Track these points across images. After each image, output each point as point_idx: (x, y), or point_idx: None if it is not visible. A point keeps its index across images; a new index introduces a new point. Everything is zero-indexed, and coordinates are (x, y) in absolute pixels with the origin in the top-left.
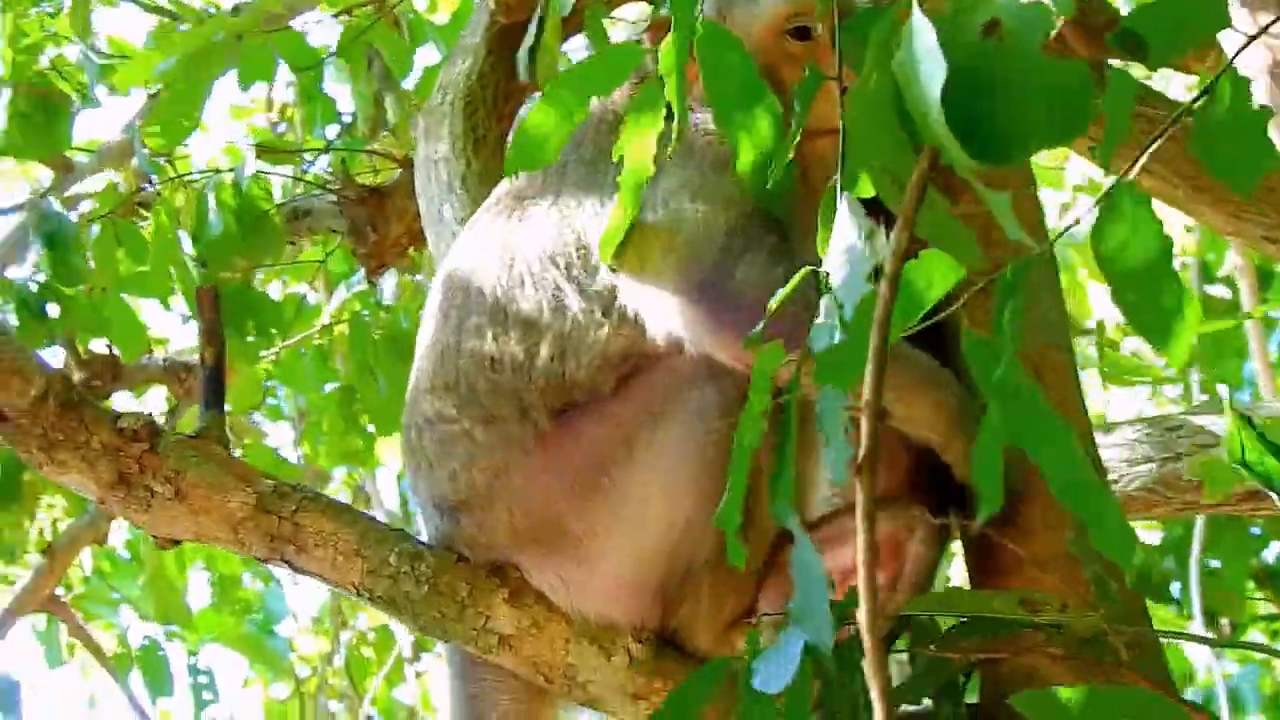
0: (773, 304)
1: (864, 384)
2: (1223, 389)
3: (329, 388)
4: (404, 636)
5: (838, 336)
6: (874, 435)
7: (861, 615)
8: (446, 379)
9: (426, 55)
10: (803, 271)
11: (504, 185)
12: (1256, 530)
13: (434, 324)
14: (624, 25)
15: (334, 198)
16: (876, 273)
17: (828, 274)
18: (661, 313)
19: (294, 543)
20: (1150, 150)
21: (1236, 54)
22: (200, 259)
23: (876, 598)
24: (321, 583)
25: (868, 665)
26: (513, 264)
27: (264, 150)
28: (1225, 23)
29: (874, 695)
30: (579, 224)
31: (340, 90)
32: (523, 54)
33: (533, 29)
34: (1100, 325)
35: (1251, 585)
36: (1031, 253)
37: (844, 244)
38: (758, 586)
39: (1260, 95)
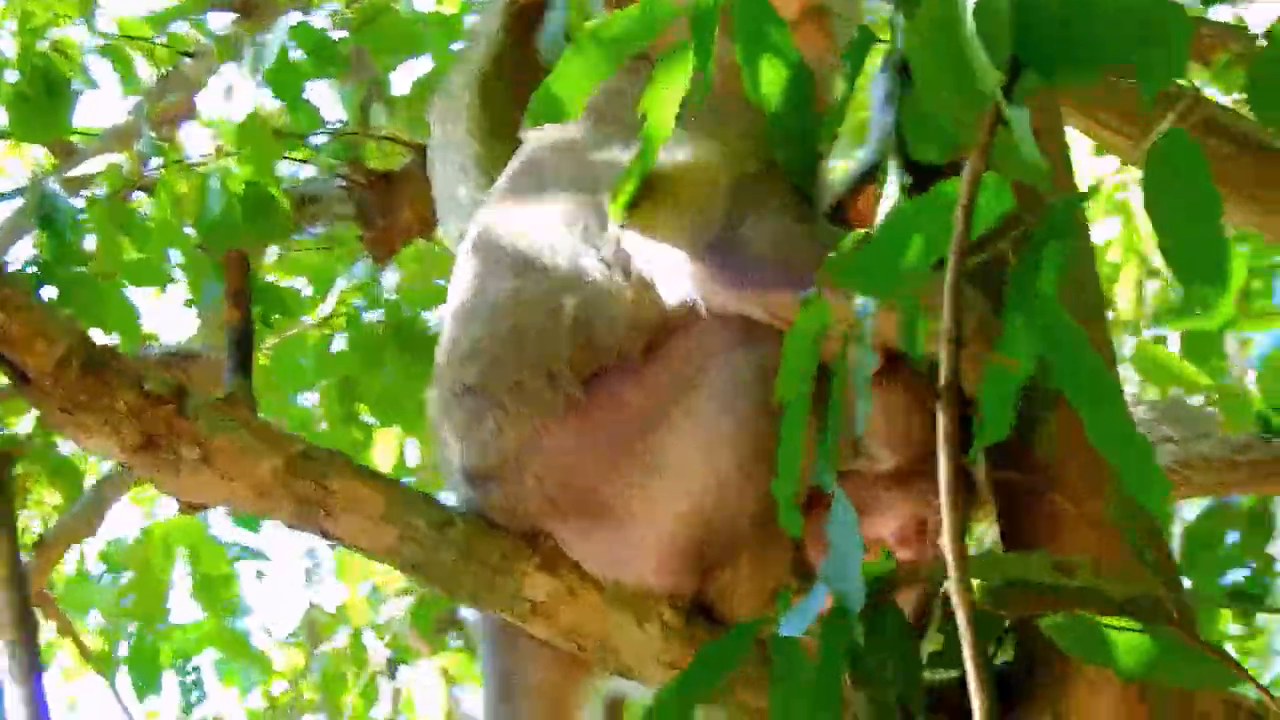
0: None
1: (943, 312)
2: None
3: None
4: (379, 652)
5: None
6: (953, 364)
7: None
8: (472, 348)
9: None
10: (858, 232)
11: (521, 154)
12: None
13: (459, 294)
14: None
15: (342, 182)
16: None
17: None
18: (671, 272)
19: (324, 507)
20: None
21: None
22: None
23: (965, 550)
24: (351, 548)
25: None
26: (531, 231)
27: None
28: None
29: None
30: (598, 186)
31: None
32: (546, 39)
33: (556, 11)
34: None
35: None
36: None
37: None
38: (797, 556)
39: None
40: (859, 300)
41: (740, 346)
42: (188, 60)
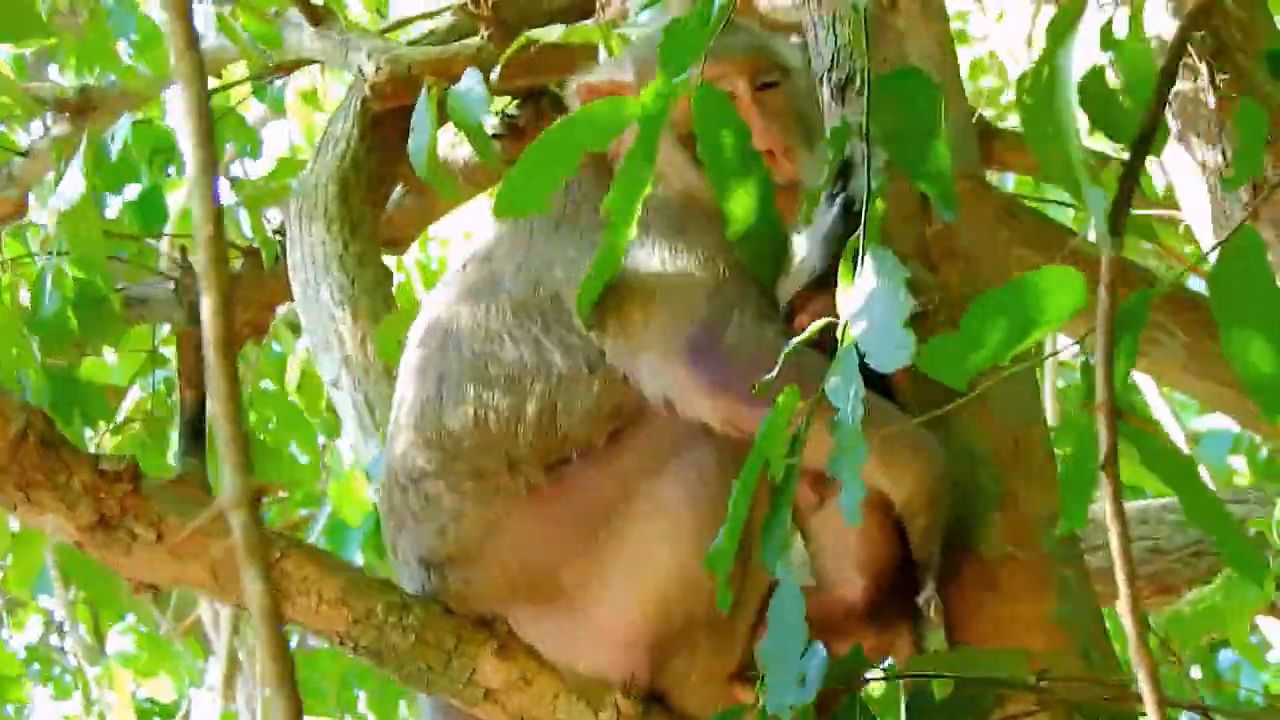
0: (785, 350)
1: (1098, 382)
2: None
3: None
4: None
5: (857, 383)
6: (1113, 434)
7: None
8: (429, 436)
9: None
10: (817, 325)
11: (470, 245)
12: None
13: (412, 381)
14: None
15: (172, 285)
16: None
17: (847, 325)
18: (651, 376)
19: (278, 589)
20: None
21: None
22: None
23: (1135, 584)
24: (305, 629)
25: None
26: (489, 320)
27: (105, 233)
28: None
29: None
30: (552, 280)
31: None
32: (416, 152)
33: (422, 123)
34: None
35: None
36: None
37: (869, 291)
38: (749, 645)
39: None
40: (830, 383)
41: (703, 439)
42: (18, 161)
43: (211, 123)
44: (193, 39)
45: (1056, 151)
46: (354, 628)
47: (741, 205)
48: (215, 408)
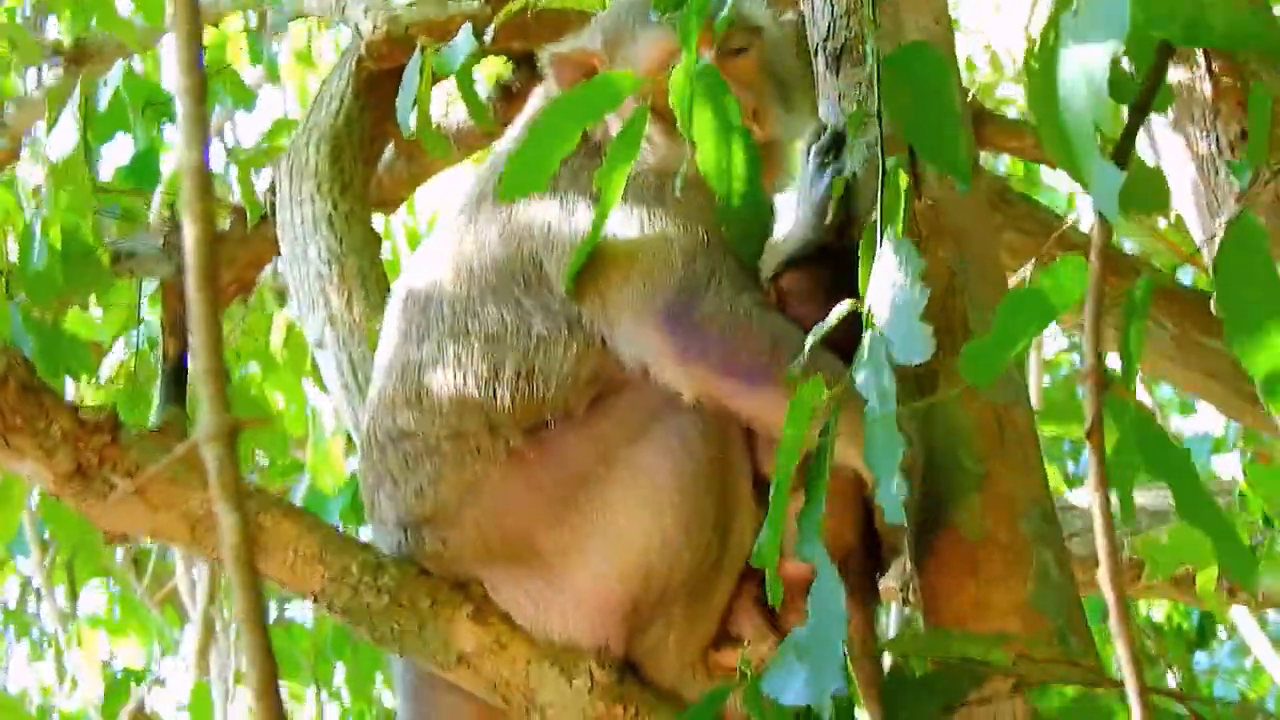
0: (811, 340)
1: (1086, 352)
2: None
3: None
4: None
5: (887, 375)
6: (1099, 402)
7: (1102, 574)
8: (409, 395)
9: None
10: (843, 305)
11: (454, 207)
12: None
13: (394, 341)
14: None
15: (160, 242)
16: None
17: (870, 310)
18: (627, 341)
19: (254, 543)
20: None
21: None
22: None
23: (1117, 553)
24: (280, 586)
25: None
26: (471, 280)
27: (96, 188)
28: None
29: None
30: (533, 243)
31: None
32: (403, 106)
33: (411, 81)
34: None
35: None
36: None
37: (889, 281)
38: (724, 617)
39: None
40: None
41: (685, 407)
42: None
43: (201, 46)
44: None
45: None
46: (329, 586)
47: (728, 178)
48: (195, 338)
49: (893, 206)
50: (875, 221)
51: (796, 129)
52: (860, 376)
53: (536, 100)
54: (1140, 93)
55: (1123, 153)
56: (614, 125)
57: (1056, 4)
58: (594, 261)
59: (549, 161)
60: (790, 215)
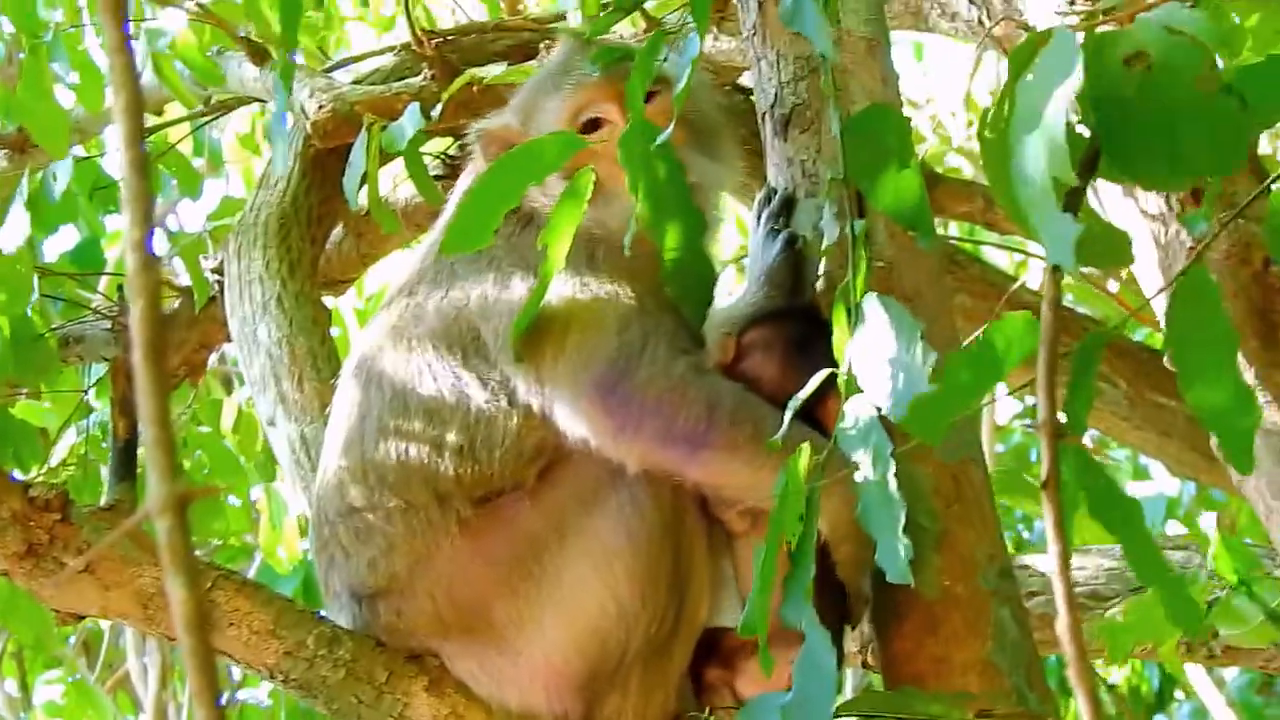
0: (790, 411)
1: (1040, 402)
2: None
3: None
4: None
5: (878, 437)
6: (1054, 452)
7: (1061, 626)
8: (358, 471)
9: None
10: (822, 373)
11: (397, 281)
12: None
13: (340, 418)
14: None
15: (109, 325)
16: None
17: (850, 374)
18: (564, 417)
19: (208, 618)
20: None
21: None
22: None
23: (1074, 602)
24: (235, 661)
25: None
26: (410, 354)
27: (42, 272)
28: None
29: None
30: (469, 314)
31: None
32: (350, 183)
33: (359, 158)
34: None
35: None
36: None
37: (881, 349)
38: (682, 685)
39: None
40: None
41: (636, 476)
42: None
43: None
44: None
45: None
46: (284, 660)
47: (672, 239)
48: (143, 410)
49: (861, 269)
50: (847, 283)
51: (717, 176)
52: (848, 440)
53: (466, 177)
54: (1088, 149)
55: (1073, 207)
56: (539, 195)
57: (1011, 69)
58: (530, 334)
59: (492, 218)
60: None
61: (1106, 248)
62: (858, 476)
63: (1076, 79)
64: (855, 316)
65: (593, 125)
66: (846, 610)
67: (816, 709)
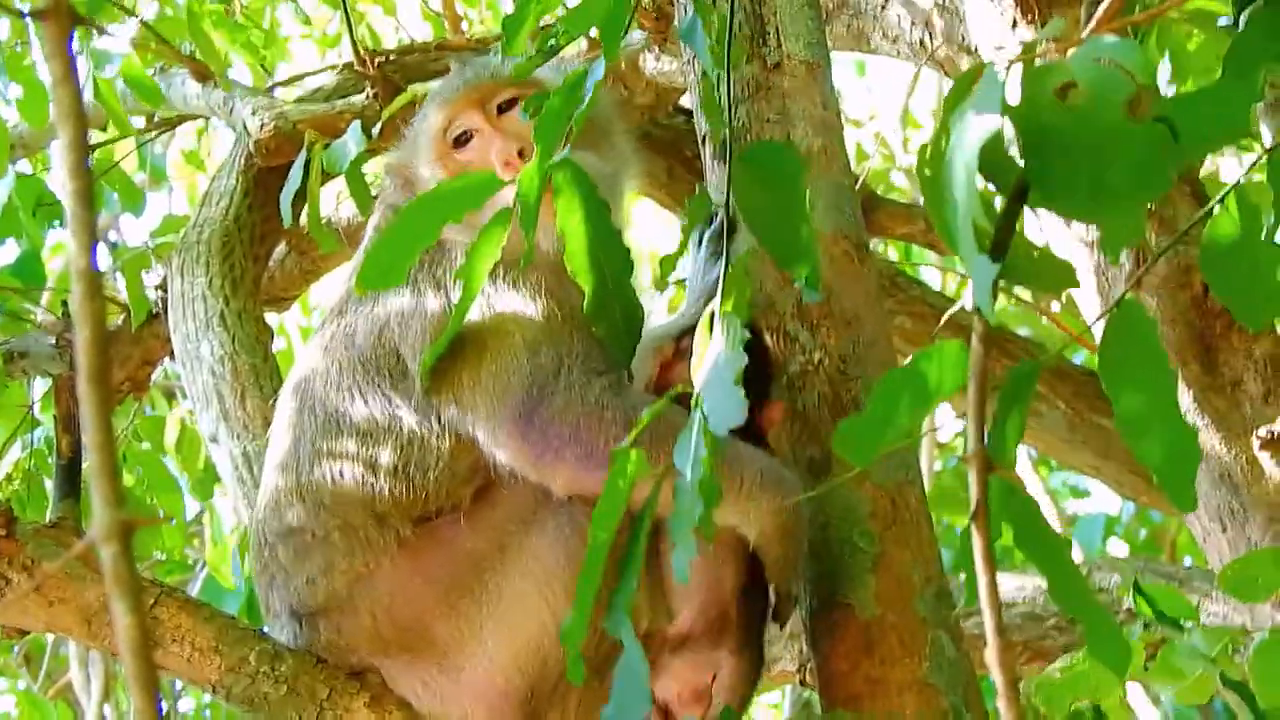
0: (643, 419)
1: (969, 435)
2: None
3: None
4: None
5: (701, 454)
6: (983, 485)
7: (990, 655)
8: (295, 493)
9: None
10: (667, 394)
11: (329, 301)
12: None
13: (277, 439)
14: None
15: (53, 340)
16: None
17: (699, 394)
18: (486, 446)
19: (151, 638)
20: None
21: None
22: None
23: (1003, 633)
24: (177, 678)
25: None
26: (341, 376)
27: None
28: (1245, 130)
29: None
30: (391, 334)
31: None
32: (286, 200)
33: (296, 175)
34: None
35: None
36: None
37: (714, 360)
38: None
39: None
40: (679, 449)
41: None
42: None
43: (89, 153)
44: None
45: (949, 217)
46: (226, 676)
47: (597, 280)
48: (88, 438)
49: (736, 295)
50: (713, 310)
51: (616, 173)
52: (679, 452)
53: (378, 209)
54: (1017, 181)
55: (1000, 244)
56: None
57: (946, 105)
58: (445, 360)
59: (406, 257)
60: None
61: (1048, 273)
62: (678, 485)
63: (994, 122)
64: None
65: (464, 139)
66: (775, 611)
67: (629, 717)
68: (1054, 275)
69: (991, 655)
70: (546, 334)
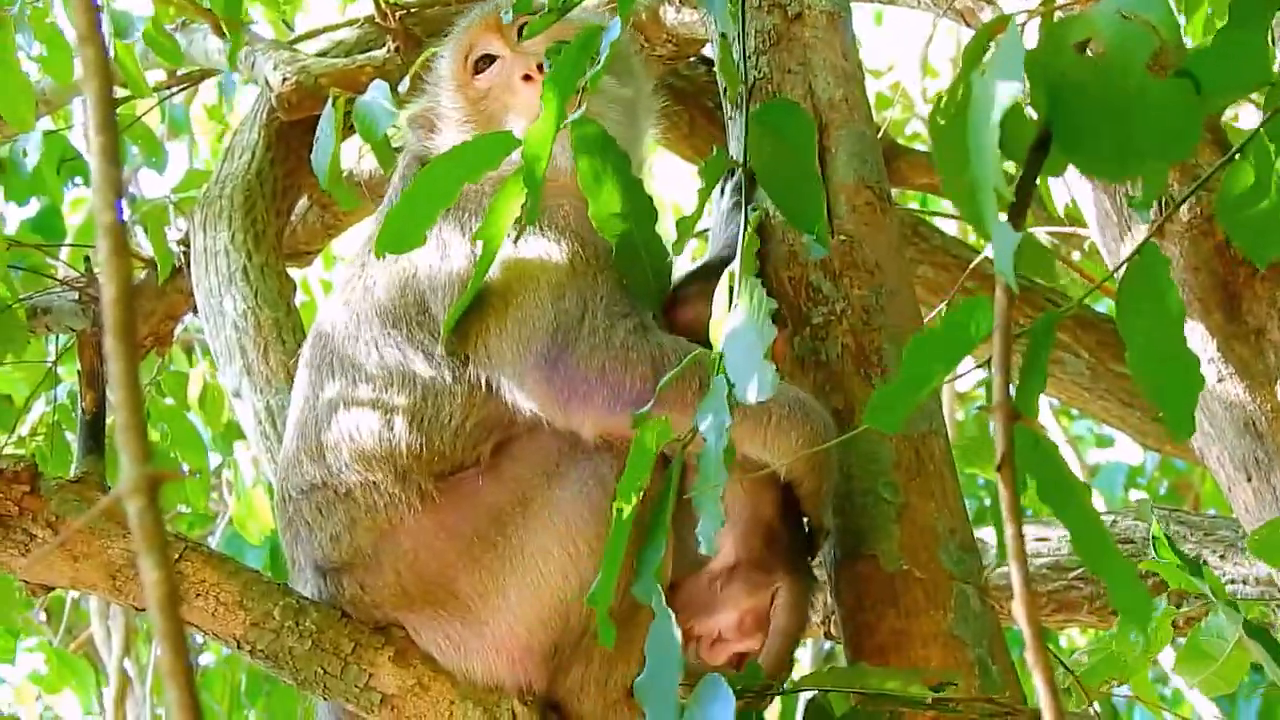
0: (663, 382)
1: (994, 386)
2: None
3: None
4: None
5: (726, 416)
6: (1009, 435)
7: (1017, 607)
8: (314, 448)
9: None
10: (690, 356)
11: (351, 253)
12: None
13: (298, 395)
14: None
15: (76, 295)
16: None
17: (721, 354)
18: (512, 392)
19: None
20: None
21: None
22: None
23: (1030, 585)
24: (201, 633)
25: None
26: (359, 329)
27: (10, 243)
28: (1269, 75)
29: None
30: (417, 285)
31: None
32: (320, 160)
33: (327, 134)
34: None
35: None
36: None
37: (738, 327)
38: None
39: None
40: (702, 416)
41: (592, 446)
42: None
43: (114, 109)
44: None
45: (965, 178)
46: (251, 631)
47: (622, 230)
48: (114, 394)
49: (749, 256)
50: (735, 269)
51: (621, 93)
52: (702, 418)
53: (405, 155)
54: (1035, 139)
55: (1020, 208)
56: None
57: (965, 60)
58: (473, 309)
59: (425, 219)
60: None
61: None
62: (703, 452)
63: (1018, 86)
64: (733, 297)
65: (486, 63)
66: (812, 544)
67: (662, 685)
68: (1039, 264)
69: (1018, 608)
70: (571, 278)
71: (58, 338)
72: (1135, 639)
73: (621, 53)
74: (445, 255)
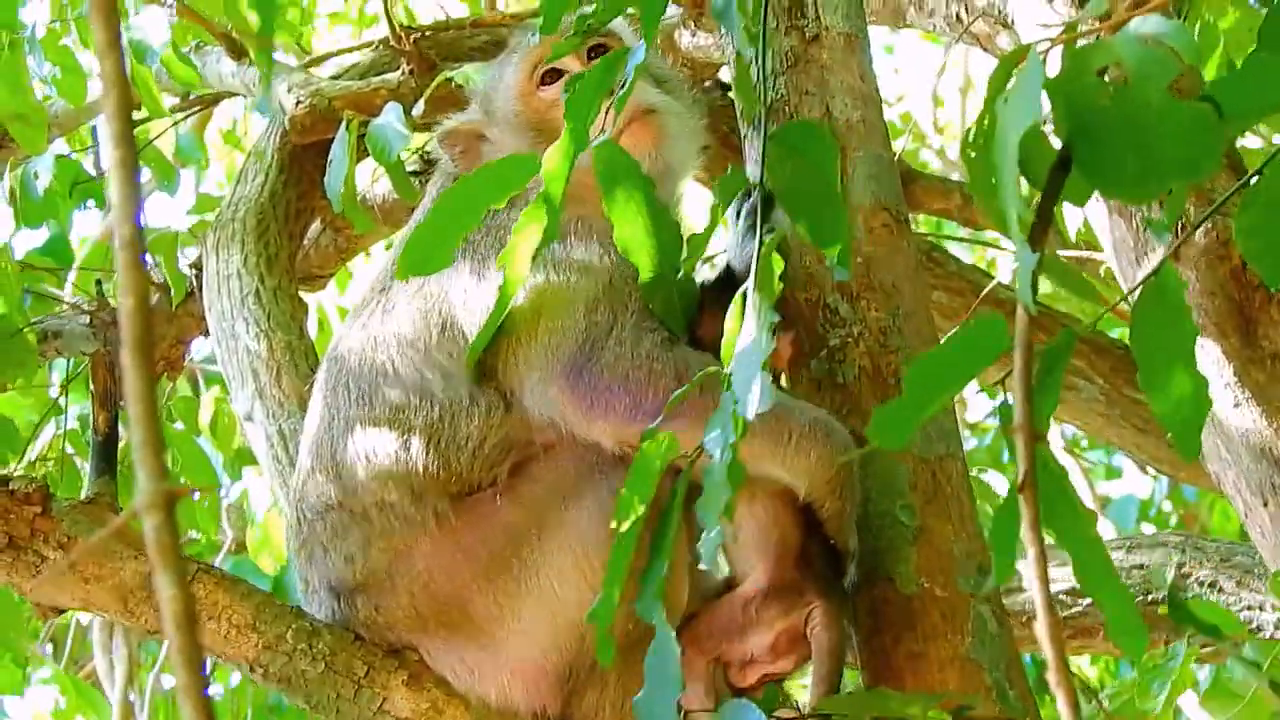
0: (674, 397)
1: (1016, 407)
2: None
3: None
4: None
5: (732, 433)
6: (1030, 454)
7: (1040, 629)
8: (330, 470)
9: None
10: (708, 370)
11: (371, 277)
12: None
13: (313, 417)
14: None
15: (87, 319)
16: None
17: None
18: (535, 401)
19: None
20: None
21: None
22: None
23: (1054, 610)
24: (214, 656)
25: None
26: (375, 352)
27: (21, 267)
28: None
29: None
30: (446, 306)
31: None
32: (333, 184)
33: (340, 157)
34: None
35: None
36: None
37: (746, 342)
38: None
39: None
40: (709, 431)
41: (611, 469)
42: None
43: (132, 123)
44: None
45: (997, 204)
46: (264, 654)
47: (648, 256)
48: (131, 409)
49: (766, 275)
50: (745, 289)
51: (673, 105)
52: (710, 434)
53: (434, 183)
54: (1056, 162)
55: (1041, 230)
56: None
57: (990, 88)
58: (506, 321)
59: (449, 242)
60: None
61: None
62: (709, 469)
63: (1036, 111)
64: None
65: (553, 78)
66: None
67: (661, 703)
68: (1076, 285)
69: (1041, 629)
70: (606, 291)
71: (68, 362)
72: (1156, 690)
73: (676, 77)
74: (482, 277)
